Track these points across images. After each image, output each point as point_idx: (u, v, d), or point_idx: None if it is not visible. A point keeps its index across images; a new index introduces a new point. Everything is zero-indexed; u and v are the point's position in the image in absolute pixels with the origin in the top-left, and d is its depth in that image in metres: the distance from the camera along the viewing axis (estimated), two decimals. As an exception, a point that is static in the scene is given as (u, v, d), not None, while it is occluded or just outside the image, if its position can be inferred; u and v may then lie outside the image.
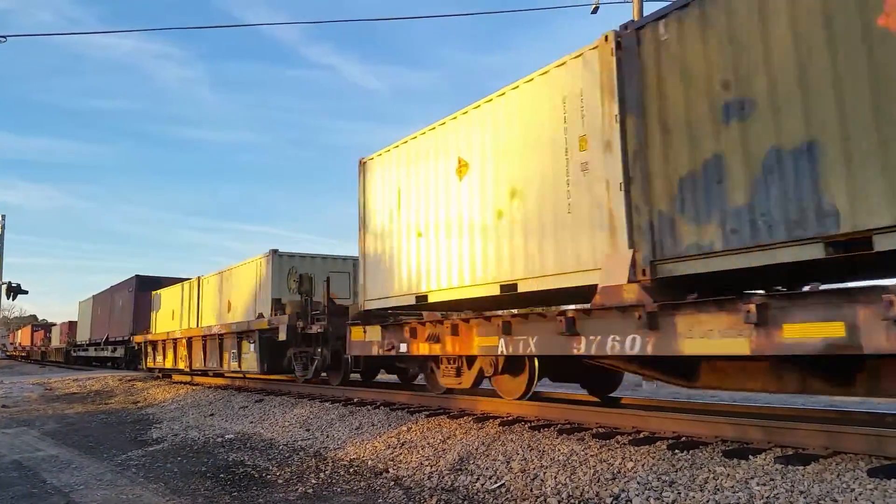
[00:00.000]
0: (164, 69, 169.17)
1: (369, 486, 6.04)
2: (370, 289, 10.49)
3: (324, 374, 13.58)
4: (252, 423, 10.44)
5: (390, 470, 6.57)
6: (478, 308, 9.45)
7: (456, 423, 7.76)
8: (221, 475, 6.81)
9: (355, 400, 10.76)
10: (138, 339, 25.01)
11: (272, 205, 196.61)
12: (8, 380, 25.85)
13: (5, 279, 27.16)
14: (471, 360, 8.78)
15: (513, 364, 8.39)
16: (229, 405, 12.60)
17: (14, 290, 27.12)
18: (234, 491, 6.11)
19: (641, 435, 6.25)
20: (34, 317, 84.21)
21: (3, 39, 14.59)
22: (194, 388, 16.71)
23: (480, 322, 8.05)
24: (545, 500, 5.09)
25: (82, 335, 39.42)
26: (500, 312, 8.40)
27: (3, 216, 27.98)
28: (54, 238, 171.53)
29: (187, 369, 19.49)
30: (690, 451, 5.45)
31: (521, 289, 7.60)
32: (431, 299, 9.07)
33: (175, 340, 20.61)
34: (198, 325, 19.40)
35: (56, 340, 49.57)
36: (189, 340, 19.28)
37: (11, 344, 71.37)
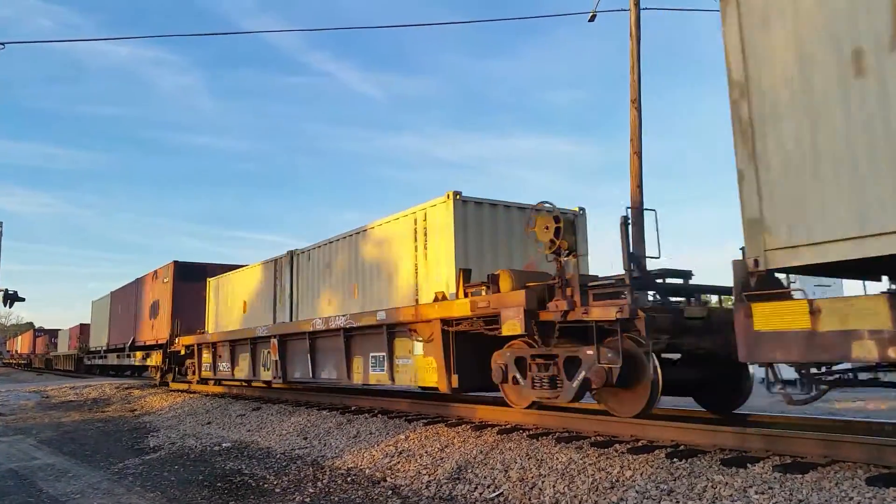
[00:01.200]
0: (161, 76, 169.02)
1: (367, 495, 6.02)
2: (781, 226, 4.85)
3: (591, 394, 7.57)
4: (249, 431, 10.41)
5: (388, 479, 6.55)
6: None
7: (454, 432, 7.74)
8: (219, 484, 6.78)
9: (353, 408, 10.74)
10: (187, 340, 19.09)
11: (273, 212, 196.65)
12: (4, 387, 25.76)
13: (2, 286, 27.16)
14: None
15: None
16: (226, 413, 12.56)
17: (11, 298, 27.09)
18: (231, 500, 6.09)
19: (640, 443, 6.24)
20: (31, 324, 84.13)
21: (1, 47, 14.63)
22: (191, 395, 16.65)
23: None
24: (543, 509, 5.07)
25: (97, 340, 33.28)
26: None
27: (1, 223, 27.97)
28: (52, 245, 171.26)
29: (279, 382, 14.37)
30: (689, 460, 5.44)
31: None
32: None
33: (254, 341, 15.04)
34: (292, 319, 14.36)
35: (64, 346, 45.74)
36: (282, 340, 13.77)
37: (9, 351, 70.95)
